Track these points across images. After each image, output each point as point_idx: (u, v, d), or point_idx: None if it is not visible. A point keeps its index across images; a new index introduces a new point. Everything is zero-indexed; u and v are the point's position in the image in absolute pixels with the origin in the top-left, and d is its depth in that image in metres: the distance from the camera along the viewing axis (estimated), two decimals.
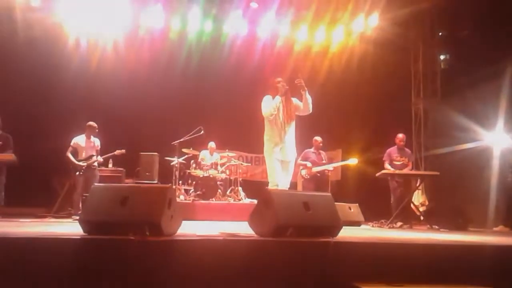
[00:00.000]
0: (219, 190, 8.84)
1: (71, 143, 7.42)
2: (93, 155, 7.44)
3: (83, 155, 7.41)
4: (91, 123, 7.55)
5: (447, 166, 8.71)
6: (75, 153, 7.39)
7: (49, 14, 9.01)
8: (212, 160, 9.17)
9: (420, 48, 10.73)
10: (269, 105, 5.09)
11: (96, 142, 7.61)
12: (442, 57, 10.87)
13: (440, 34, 10.58)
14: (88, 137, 7.52)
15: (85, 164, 7.32)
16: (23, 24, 8.53)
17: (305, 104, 5.13)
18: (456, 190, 8.43)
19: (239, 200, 8.76)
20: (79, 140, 7.48)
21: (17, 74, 8.56)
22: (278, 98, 5.09)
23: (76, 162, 7.30)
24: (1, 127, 7.03)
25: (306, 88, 5.04)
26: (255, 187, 9.57)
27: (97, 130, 7.58)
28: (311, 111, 5.18)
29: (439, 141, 9.85)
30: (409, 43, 10.78)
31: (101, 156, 7.60)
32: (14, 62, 8.59)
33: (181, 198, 8.45)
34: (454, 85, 9.72)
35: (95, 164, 7.49)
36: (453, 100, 9.51)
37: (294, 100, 5.25)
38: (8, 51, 8.49)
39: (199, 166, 8.96)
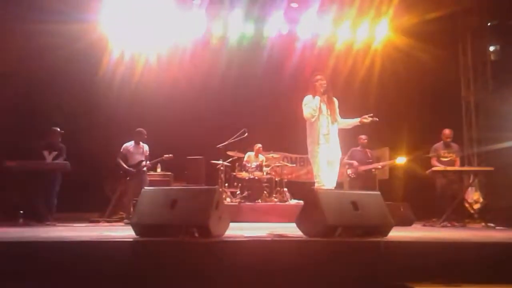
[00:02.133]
0: (265, 192, 8.86)
1: (121, 149, 7.66)
2: (142, 161, 7.65)
3: (133, 160, 7.63)
4: (140, 129, 7.74)
5: (503, 161, 8.27)
6: (125, 159, 7.62)
7: (95, 25, 9.36)
8: (257, 161, 9.20)
9: (469, 39, 10.31)
10: (309, 106, 5.01)
11: (145, 147, 7.81)
12: (492, 48, 10.39)
13: (489, 24, 10.12)
14: (137, 143, 7.73)
15: (135, 169, 7.55)
16: (70, 35, 8.88)
17: (347, 125, 5.14)
18: None
19: (285, 201, 8.73)
20: (129, 146, 7.70)
21: (67, 85, 8.91)
22: (317, 98, 5.01)
23: (127, 168, 7.53)
24: (60, 138, 7.41)
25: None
26: (301, 188, 9.51)
27: (145, 136, 7.78)
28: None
29: (493, 135, 9.40)
30: (456, 34, 10.38)
31: (149, 161, 7.80)
32: (65, 74, 8.95)
33: (227, 200, 8.52)
34: (506, 76, 9.25)
35: (145, 169, 7.70)
36: (506, 91, 9.05)
37: (337, 103, 5.17)
38: (56, 64, 8.86)
39: (244, 168, 9.02)
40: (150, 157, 7.84)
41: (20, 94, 7.92)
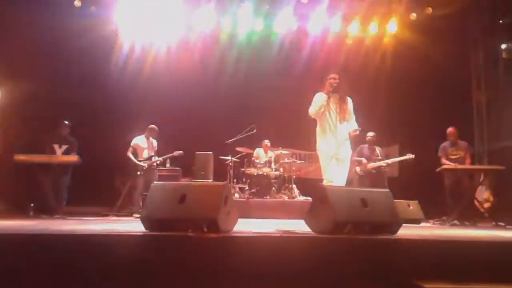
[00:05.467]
0: (273, 188, 8.85)
1: (131, 144, 7.73)
2: (153, 156, 7.72)
3: (143, 155, 7.69)
4: (153, 126, 7.88)
5: None
6: (135, 153, 7.69)
7: (106, 20, 9.41)
8: (266, 158, 9.20)
9: (479, 37, 10.19)
10: (315, 103, 5.00)
11: (154, 143, 7.89)
12: (503, 46, 10.25)
13: (500, 21, 9.97)
14: (148, 138, 7.81)
15: (146, 164, 7.59)
16: (80, 29, 8.93)
17: (351, 129, 5.08)
18: None
19: (293, 197, 8.73)
20: (139, 140, 7.77)
21: (77, 79, 8.97)
22: (324, 96, 4.98)
23: (137, 162, 7.59)
24: (69, 131, 7.48)
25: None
26: (309, 185, 9.48)
27: (157, 133, 7.89)
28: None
29: (504, 134, 9.29)
30: (467, 32, 10.25)
31: (158, 156, 7.84)
32: (73, 69, 9.04)
33: (236, 196, 8.53)
34: None
35: (155, 164, 7.75)
36: None
37: (349, 103, 5.12)
38: (66, 57, 8.94)
39: (252, 164, 9.02)
40: (158, 151, 7.90)
41: (31, 89, 7.97)
